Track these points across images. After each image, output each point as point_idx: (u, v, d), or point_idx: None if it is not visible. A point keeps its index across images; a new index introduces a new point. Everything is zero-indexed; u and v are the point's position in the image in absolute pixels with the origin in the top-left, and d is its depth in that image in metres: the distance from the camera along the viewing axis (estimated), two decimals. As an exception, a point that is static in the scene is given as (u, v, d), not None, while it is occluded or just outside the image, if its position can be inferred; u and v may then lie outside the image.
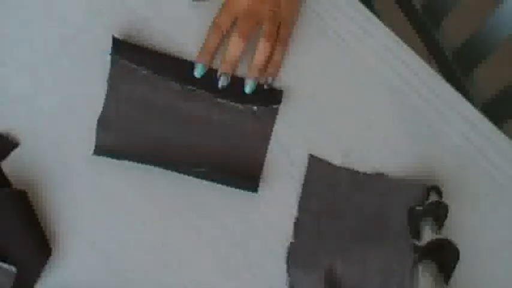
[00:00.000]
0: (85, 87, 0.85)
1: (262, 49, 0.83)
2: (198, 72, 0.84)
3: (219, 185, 0.83)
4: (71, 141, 0.84)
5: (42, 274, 0.79)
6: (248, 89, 0.84)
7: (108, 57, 0.83)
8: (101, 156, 0.83)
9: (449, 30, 1.16)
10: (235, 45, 0.83)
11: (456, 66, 1.15)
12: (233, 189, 0.83)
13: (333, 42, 0.89)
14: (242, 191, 0.83)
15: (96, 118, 0.83)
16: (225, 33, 0.84)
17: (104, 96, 0.84)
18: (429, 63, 0.90)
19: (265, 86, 0.85)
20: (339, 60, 0.89)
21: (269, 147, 0.85)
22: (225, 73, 0.84)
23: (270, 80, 0.85)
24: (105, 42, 0.84)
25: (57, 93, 0.85)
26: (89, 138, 0.83)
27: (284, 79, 0.87)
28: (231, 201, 0.83)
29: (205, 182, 0.83)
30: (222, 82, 0.84)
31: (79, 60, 0.86)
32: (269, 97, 0.85)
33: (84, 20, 0.87)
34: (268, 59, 0.85)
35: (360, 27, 0.89)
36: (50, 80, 0.85)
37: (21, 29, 0.86)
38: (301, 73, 0.88)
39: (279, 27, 0.85)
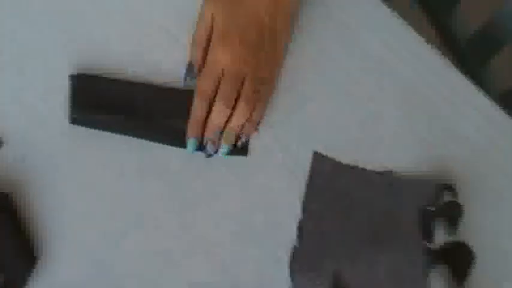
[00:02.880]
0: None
1: (241, 113, 0.84)
2: (190, 148, 0.85)
3: (217, 187, 0.84)
4: (59, 140, 0.84)
5: (29, 283, 0.79)
6: (221, 152, 0.85)
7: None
8: (93, 155, 0.84)
9: (463, 17, 1.16)
10: (219, 112, 0.84)
11: (471, 55, 1.15)
12: (234, 196, 0.85)
13: (338, 30, 0.89)
14: (242, 192, 0.85)
15: None
16: (212, 98, 0.85)
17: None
18: (442, 52, 0.90)
19: (238, 144, 0.86)
20: (344, 50, 0.89)
21: (269, 145, 0.86)
22: (211, 140, 0.85)
23: (244, 139, 0.86)
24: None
25: (45, 91, 0.86)
26: (75, 136, 0.84)
27: (286, 69, 0.88)
28: (229, 202, 0.84)
29: (204, 182, 0.84)
30: (208, 149, 0.85)
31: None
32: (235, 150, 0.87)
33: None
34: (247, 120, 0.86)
35: (367, 15, 0.90)
36: (37, 78, 0.86)
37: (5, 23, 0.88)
38: (304, 63, 0.89)
39: (259, 87, 0.85)
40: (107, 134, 0.85)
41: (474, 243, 0.80)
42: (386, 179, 0.85)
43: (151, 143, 0.85)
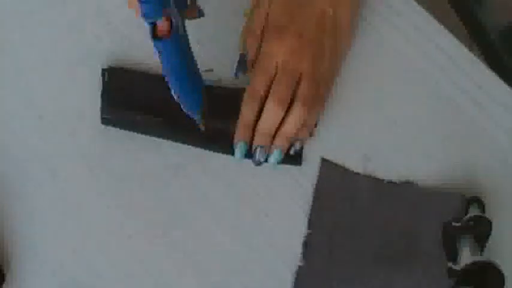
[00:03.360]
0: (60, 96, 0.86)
1: (296, 115, 0.81)
2: (239, 153, 0.82)
3: (211, 200, 0.84)
4: (31, 146, 0.85)
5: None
6: (273, 159, 0.82)
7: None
8: (66, 162, 0.84)
9: (494, 7, 1.17)
10: (271, 114, 0.81)
11: (502, 50, 1.16)
12: (228, 206, 0.83)
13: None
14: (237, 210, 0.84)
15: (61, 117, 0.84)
16: (263, 100, 0.82)
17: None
18: (469, 47, 0.89)
19: (291, 152, 0.83)
20: (359, 43, 0.88)
21: None
22: (262, 146, 0.82)
23: (298, 146, 0.83)
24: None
25: (23, 97, 0.86)
26: (52, 143, 0.85)
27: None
28: (225, 215, 0.84)
29: (195, 196, 0.84)
30: (258, 156, 0.82)
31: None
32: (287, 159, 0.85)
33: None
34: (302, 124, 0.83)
35: (386, 4, 0.89)
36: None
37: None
38: None
39: (318, 86, 0.83)
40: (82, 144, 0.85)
41: (504, 263, 0.76)
42: (405, 190, 0.84)
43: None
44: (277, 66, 0.82)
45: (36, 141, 0.84)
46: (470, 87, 0.86)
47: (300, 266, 0.81)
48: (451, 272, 0.78)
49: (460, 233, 0.80)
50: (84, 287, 0.82)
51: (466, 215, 0.80)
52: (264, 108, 0.82)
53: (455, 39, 0.88)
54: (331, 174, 0.84)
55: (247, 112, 0.82)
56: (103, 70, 0.85)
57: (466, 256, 0.77)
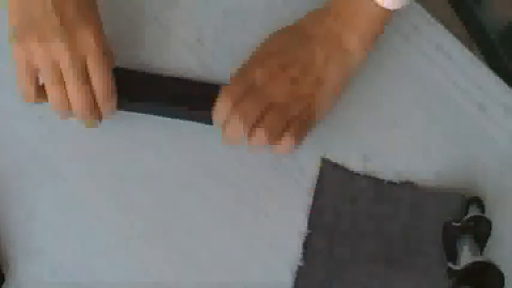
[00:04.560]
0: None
1: (285, 146, 0.80)
2: None
3: (211, 200, 0.83)
4: (31, 146, 0.85)
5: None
6: None
7: None
8: (66, 162, 0.84)
9: (494, 7, 1.17)
10: (259, 139, 0.79)
11: (502, 50, 1.15)
12: (228, 206, 0.83)
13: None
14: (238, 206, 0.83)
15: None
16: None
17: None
18: (469, 46, 0.89)
19: None
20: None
21: (270, 148, 0.84)
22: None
23: None
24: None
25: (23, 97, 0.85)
26: (52, 143, 0.85)
27: None
28: (227, 218, 0.84)
29: (195, 196, 0.83)
30: None
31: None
32: None
33: None
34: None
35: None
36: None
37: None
38: None
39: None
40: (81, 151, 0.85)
41: (504, 263, 0.76)
42: (405, 190, 0.84)
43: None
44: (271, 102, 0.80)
45: (36, 141, 0.84)
46: (470, 87, 0.86)
47: (300, 266, 0.81)
48: (451, 272, 0.78)
49: (460, 233, 0.79)
50: (84, 287, 0.81)
51: (466, 215, 0.80)
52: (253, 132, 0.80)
53: (455, 39, 0.88)
54: (331, 174, 0.84)
55: (222, 111, 0.80)
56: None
57: (466, 256, 0.77)
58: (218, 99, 0.80)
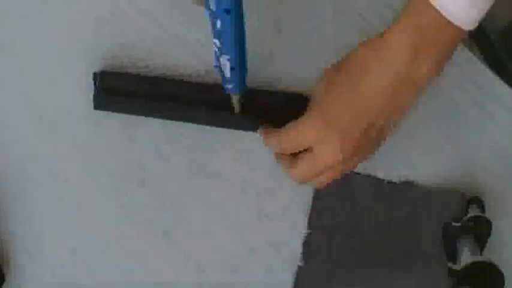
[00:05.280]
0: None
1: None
2: None
3: (211, 200, 0.83)
4: (31, 146, 0.85)
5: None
6: None
7: None
8: (66, 162, 0.84)
9: (493, 7, 1.13)
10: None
11: (502, 50, 1.15)
12: (228, 206, 0.83)
13: (351, 20, 0.87)
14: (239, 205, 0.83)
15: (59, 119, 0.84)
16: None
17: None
18: (469, 46, 0.88)
19: None
20: (356, 40, 0.85)
21: (270, 148, 0.83)
22: None
23: None
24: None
25: (23, 97, 0.86)
26: (52, 143, 0.84)
27: (294, 60, 0.86)
28: (227, 218, 0.83)
29: (195, 196, 0.84)
30: None
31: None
32: None
33: None
34: None
35: (385, 4, 0.87)
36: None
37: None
38: (313, 54, 0.86)
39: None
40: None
41: (504, 263, 0.76)
42: (405, 190, 0.84)
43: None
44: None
45: (36, 141, 0.84)
46: (470, 87, 0.86)
47: (300, 266, 0.82)
48: (451, 272, 0.78)
49: (460, 233, 0.80)
50: (84, 287, 0.82)
51: (466, 215, 0.80)
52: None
53: None
54: (331, 174, 0.85)
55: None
56: (95, 74, 0.84)
57: (466, 256, 0.77)
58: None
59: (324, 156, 0.72)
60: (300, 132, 0.73)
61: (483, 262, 0.76)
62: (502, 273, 0.75)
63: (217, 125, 0.83)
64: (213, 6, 0.69)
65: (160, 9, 0.88)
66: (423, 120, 0.85)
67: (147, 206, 0.83)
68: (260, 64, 0.85)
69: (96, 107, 0.83)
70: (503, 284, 0.75)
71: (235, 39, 0.72)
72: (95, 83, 0.84)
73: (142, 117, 0.83)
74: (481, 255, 0.79)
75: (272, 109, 0.83)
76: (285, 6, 0.85)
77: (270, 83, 0.84)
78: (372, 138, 0.74)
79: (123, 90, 0.84)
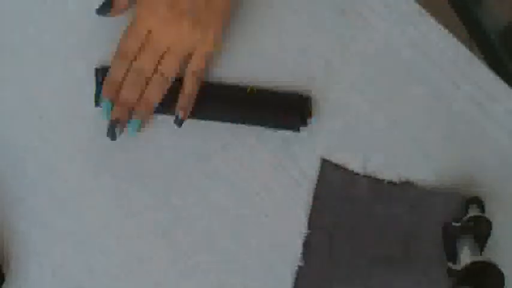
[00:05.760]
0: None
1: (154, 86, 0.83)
2: (105, 111, 0.82)
3: (211, 200, 0.83)
4: (31, 146, 0.85)
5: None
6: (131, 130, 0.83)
7: None
8: (66, 162, 0.84)
9: (494, 7, 1.16)
10: (133, 83, 0.83)
11: (502, 50, 1.15)
12: (228, 206, 0.83)
13: (351, 20, 0.87)
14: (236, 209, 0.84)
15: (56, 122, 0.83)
16: (131, 61, 0.83)
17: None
18: (469, 46, 0.89)
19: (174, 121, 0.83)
20: (356, 43, 0.87)
21: (270, 148, 0.85)
22: (118, 122, 0.82)
23: (181, 114, 0.83)
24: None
25: (23, 97, 0.86)
26: (52, 143, 0.85)
27: (294, 59, 0.86)
28: (227, 218, 0.83)
29: (195, 196, 0.83)
30: (113, 133, 0.82)
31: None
32: None
33: None
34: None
35: (385, 4, 0.88)
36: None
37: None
38: (312, 55, 0.87)
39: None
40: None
41: (504, 263, 0.75)
42: (405, 190, 0.84)
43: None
44: (148, 34, 0.83)
45: (36, 141, 0.84)
46: (470, 87, 0.85)
47: (300, 266, 0.81)
48: (451, 272, 0.77)
49: (460, 233, 0.79)
50: (84, 287, 0.82)
51: (465, 215, 0.79)
52: (127, 77, 0.82)
53: (455, 39, 0.87)
54: (331, 174, 0.83)
55: (116, 71, 0.83)
56: (96, 69, 0.84)
57: (466, 256, 0.77)
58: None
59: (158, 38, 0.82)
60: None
61: (483, 262, 0.75)
62: (502, 273, 0.74)
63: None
64: None
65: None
66: (423, 120, 0.85)
67: (147, 206, 0.83)
68: (259, 63, 0.85)
69: (97, 104, 0.83)
70: (503, 284, 0.75)
71: None
72: (96, 80, 0.84)
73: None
74: (481, 255, 0.78)
75: (274, 108, 0.84)
76: (285, 7, 0.86)
77: (269, 82, 0.84)
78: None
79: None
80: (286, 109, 0.83)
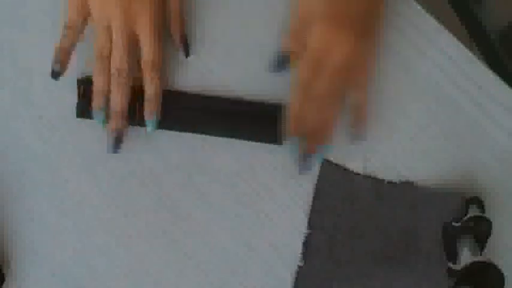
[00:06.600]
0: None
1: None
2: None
3: (211, 200, 0.83)
4: (29, 146, 0.85)
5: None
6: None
7: None
8: (66, 162, 0.84)
9: (494, 7, 1.17)
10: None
11: (502, 50, 1.15)
12: (228, 206, 0.83)
13: None
14: (237, 210, 0.83)
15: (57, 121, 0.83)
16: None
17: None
18: (469, 47, 0.88)
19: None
20: None
21: (270, 149, 0.84)
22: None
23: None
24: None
25: (23, 97, 0.86)
26: (52, 143, 0.84)
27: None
28: (227, 218, 0.83)
29: (195, 196, 0.83)
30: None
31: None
32: None
33: None
34: None
35: (384, 4, 0.86)
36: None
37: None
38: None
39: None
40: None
41: (504, 264, 0.76)
42: (405, 190, 0.84)
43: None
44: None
45: (36, 141, 0.84)
46: (470, 87, 0.85)
47: (300, 266, 0.81)
48: (451, 272, 0.78)
49: (460, 233, 0.79)
50: (84, 287, 0.82)
51: (465, 215, 0.79)
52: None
53: (455, 39, 0.86)
54: (331, 174, 0.83)
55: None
56: (78, 81, 0.84)
57: (466, 256, 0.77)
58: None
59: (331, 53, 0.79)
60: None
61: (483, 262, 0.76)
62: (502, 273, 0.75)
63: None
64: None
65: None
66: (423, 120, 0.85)
67: (147, 206, 0.83)
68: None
69: (78, 115, 0.83)
70: (503, 284, 0.75)
71: None
72: (78, 91, 0.83)
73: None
74: (481, 255, 0.78)
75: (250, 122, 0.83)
76: (284, 6, 0.86)
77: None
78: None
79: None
80: (263, 123, 0.83)
